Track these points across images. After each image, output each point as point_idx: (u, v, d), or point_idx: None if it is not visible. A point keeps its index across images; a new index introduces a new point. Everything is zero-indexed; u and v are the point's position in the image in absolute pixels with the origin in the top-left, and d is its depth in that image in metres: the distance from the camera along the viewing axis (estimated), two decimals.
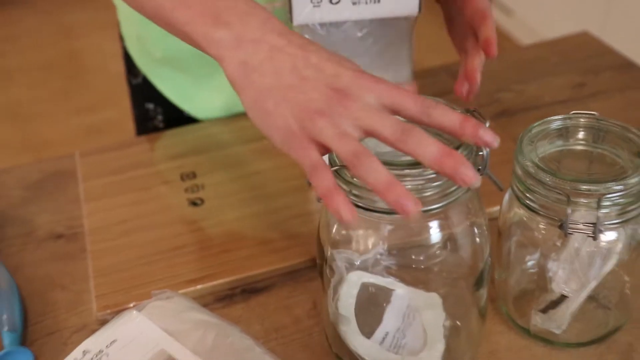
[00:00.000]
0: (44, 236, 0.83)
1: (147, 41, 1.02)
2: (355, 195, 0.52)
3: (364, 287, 0.57)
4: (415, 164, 0.50)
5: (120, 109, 2.73)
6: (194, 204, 0.82)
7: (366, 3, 0.69)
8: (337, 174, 0.53)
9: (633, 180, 0.54)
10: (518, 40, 2.95)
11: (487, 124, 0.55)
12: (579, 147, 0.62)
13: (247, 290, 0.73)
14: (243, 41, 0.55)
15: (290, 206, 0.81)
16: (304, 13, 0.68)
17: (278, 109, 0.51)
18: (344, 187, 0.53)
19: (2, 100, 2.96)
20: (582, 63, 1.04)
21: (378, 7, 0.69)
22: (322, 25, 0.72)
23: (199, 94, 1.04)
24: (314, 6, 0.67)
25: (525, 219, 0.60)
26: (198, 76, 1.02)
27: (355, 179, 0.52)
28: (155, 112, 1.10)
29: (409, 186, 0.50)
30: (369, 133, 0.49)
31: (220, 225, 0.79)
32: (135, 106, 1.14)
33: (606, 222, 0.55)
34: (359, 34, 0.75)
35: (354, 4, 0.68)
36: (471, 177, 0.48)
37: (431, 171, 0.50)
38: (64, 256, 0.79)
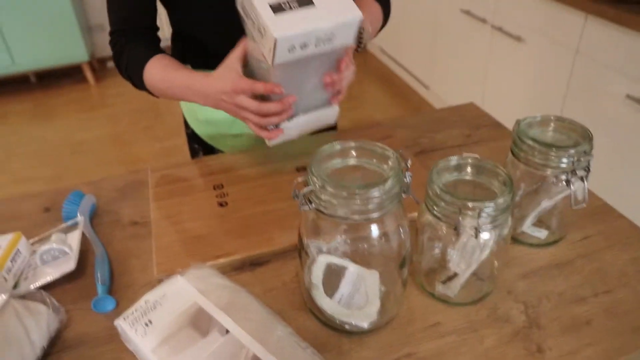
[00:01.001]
0: (126, 223, 0.79)
1: (195, 112, 1.00)
2: (323, 206, 0.50)
3: (328, 265, 0.55)
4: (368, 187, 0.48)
5: (183, 137, 2.70)
6: (221, 205, 0.79)
7: (324, 44, 0.65)
8: (310, 194, 0.50)
9: (500, 201, 0.52)
10: (432, 104, 2.93)
11: (409, 162, 0.53)
12: (467, 178, 0.60)
13: (253, 264, 0.69)
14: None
15: (283, 209, 0.77)
16: (283, 57, 0.64)
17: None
18: (316, 201, 0.50)
19: (111, 132, 2.91)
20: (470, 122, 1.02)
21: (330, 44, 0.66)
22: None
23: (224, 138, 1.01)
24: (289, 51, 0.63)
25: (433, 222, 0.57)
26: (222, 128, 0.99)
27: (322, 197, 0.49)
28: (199, 149, 1.08)
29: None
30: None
31: (237, 220, 0.75)
32: (189, 145, 1.12)
33: (483, 226, 0.53)
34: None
35: (316, 46, 0.65)
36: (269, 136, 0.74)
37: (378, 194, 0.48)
38: (138, 236, 0.76)
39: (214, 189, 0.82)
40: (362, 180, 0.53)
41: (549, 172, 0.64)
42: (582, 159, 0.61)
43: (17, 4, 3.07)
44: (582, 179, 0.62)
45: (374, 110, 2.94)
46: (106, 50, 3.74)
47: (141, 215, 0.80)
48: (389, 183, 0.49)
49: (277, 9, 0.62)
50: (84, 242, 0.75)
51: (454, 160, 0.60)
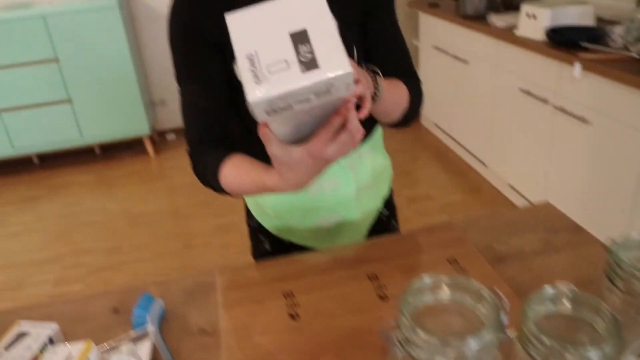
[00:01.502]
0: (195, 331, 0.78)
1: (263, 206, 1.02)
2: (414, 350, 0.47)
3: None
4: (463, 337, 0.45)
5: (239, 214, 2.74)
6: (292, 316, 0.76)
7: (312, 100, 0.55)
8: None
9: (607, 349, 0.47)
10: (490, 182, 2.88)
11: (507, 305, 0.50)
12: (565, 312, 0.56)
13: None
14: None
15: (356, 324, 0.74)
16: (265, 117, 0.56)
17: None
18: (407, 344, 0.47)
19: (169, 205, 2.99)
20: (547, 224, 0.97)
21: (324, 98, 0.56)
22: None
23: (294, 231, 1.00)
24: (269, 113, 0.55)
25: None
26: (291, 222, 1.00)
27: (414, 341, 0.47)
28: (264, 241, 1.08)
29: None
30: None
31: (309, 337, 0.72)
32: (252, 236, 1.12)
33: None
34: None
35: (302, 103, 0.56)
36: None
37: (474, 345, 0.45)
38: (207, 348, 0.74)
39: (285, 297, 0.80)
40: (457, 322, 0.50)
41: None
42: None
43: (87, 81, 3.29)
44: None
45: (430, 188, 2.90)
46: (166, 124, 3.92)
47: (210, 322, 0.79)
48: (486, 333, 0.46)
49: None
50: (154, 352, 0.74)
51: (548, 291, 0.56)
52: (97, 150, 3.82)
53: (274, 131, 0.62)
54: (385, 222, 1.12)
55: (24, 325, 0.79)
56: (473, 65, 2.78)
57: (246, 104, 0.54)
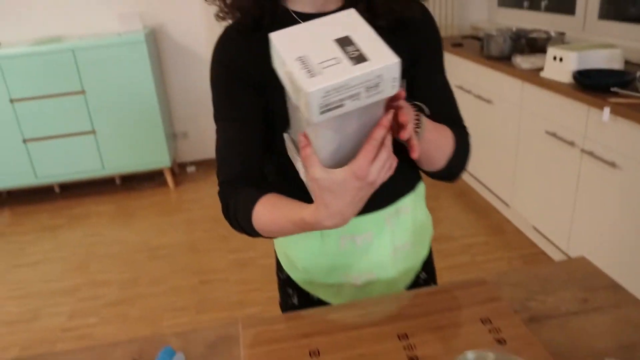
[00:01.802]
0: None
1: (292, 258, 0.99)
2: None
3: None
4: None
5: (257, 250, 2.71)
6: None
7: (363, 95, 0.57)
8: None
9: None
10: (513, 223, 2.82)
11: None
12: None
13: None
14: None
15: None
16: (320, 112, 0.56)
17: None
18: None
19: (187, 238, 2.98)
20: (584, 281, 0.93)
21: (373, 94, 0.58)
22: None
23: (321, 287, 0.97)
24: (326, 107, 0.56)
25: None
26: (320, 277, 0.97)
27: None
28: (293, 294, 1.04)
29: None
30: None
31: None
32: (280, 288, 1.08)
33: None
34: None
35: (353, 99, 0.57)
36: None
37: None
38: None
39: (310, 355, 0.77)
40: None
41: None
42: None
43: (112, 113, 3.34)
44: None
45: (452, 228, 2.85)
46: (186, 156, 3.95)
47: None
48: None
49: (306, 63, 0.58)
50: None
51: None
52: (118, 181, 3.85)
53: (317, 151, 0.62)
54: (422, 285, 1.07)
55: None
56: (497, 106, 2.76)
57: (284, 139, 0.55)
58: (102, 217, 3.35)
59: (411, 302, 0.87)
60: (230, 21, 0.87)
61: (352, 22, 0.61)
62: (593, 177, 2.05)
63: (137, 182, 3.83)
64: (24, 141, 3.31)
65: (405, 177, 0.96)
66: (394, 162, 0.65)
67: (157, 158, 3.51)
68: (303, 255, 0.97)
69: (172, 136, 3.79)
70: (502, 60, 2.70)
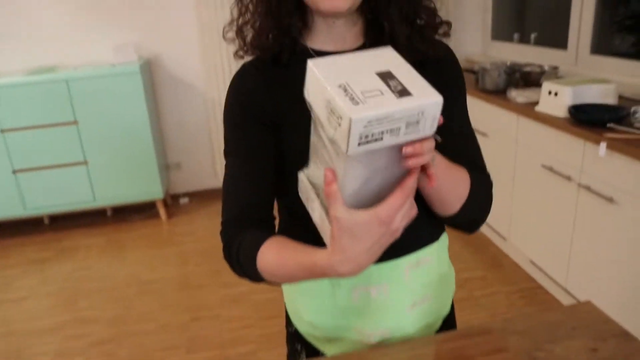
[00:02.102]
0: None
1: (299, 311, 0.93)
2: None
3: None
4: None
5: (249, 285, 2.66)
6: None
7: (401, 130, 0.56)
8: None
9: None
10: (510, 256, 2.79)
11: None
12: None
13: None
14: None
15: None
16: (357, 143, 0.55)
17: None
18: None
19: (179, 272, 2.92)
20: (592, 329, 0.90)
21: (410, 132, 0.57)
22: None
23: (332, 345, 0.93)
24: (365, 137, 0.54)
25: None
26: (330, 333, 0.91)
27: None
28: (301, 351, 0.98)
29: None
30: None
31: None
32: (289, 343, 1.03)
33: None
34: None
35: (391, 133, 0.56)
36: None
37: None
38: None
39: None
40: None
41: None
42: None
43: (104, 144, 3.31)
44: None
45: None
46: (179, 188, 3.91)
47: None
48: None
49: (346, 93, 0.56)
50: None
51: None
52: (109, 212, 3.79)
53: (341, 188, 0.60)
54: None
55: None
56: (492, 139, 2.76)
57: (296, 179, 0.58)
58: (91, 250, 3.28)
59: (414, 351, 0.83)
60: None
61: (391, 58, 0.61)
62: (590, 211, 2.03)
63: (129, 213, 3.77)
64: (14, 172, 3.26)
65: (429, 224, 0.90)
66: (414, 211, 0.63)
67: (150, 189, 3.47)
68: (312, 308, 0.91)
69: (165, 167, 3.75)
70: (497, 94, 2.71)
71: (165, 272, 2.93)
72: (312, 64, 0.59)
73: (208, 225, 3.50)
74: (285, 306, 1.01)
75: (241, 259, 0.78)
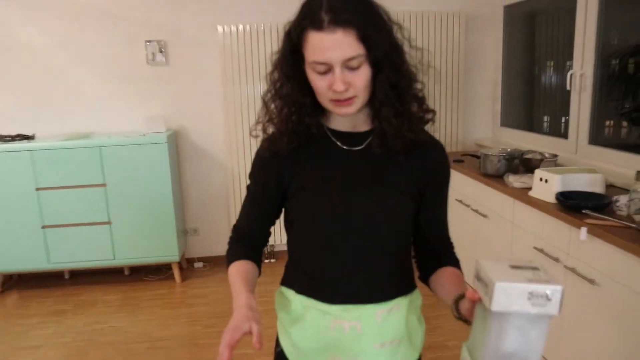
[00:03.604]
0: None
1: (287, 328, 1.19)
2: None
3: None
4: None
5: (251, 348, 2.81)
6: None
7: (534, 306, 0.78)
8: None
9: None
10: None
11: None
12: None
13: None
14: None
15: None
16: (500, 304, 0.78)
17: None
18: None
19: (189, 332, 3.10)
20: None
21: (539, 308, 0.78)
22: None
23: None
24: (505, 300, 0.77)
25: None
26: (306, 355, 1.16)
27: None
28: None
29: None
30: None
31: None
32: None
33: None
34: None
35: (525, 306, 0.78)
36: None
37: None
38: None
39: None
40: None
41: None
42: None
43: (128, 206, 3.61)
44: None
45: (447, 336, 2.95)
46: (194, 252, 4.16)
47: None
48: None
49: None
50: None
51: None
52: (127, 271, 4.04)
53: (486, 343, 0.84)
54: None
55: None
56: (492, 220, 2.97)
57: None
58: (107, 305, 3.51)
59: None
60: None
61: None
62: (577, 292, 2.20)
63: (145, 273, 4.01)
64: (43, 227, 3.57)
65: (402, 279, 1.18)
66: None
67: (167, 252, 3.73)
68: (299, 329, 1.14)
69: (183, 232, 4.02)
70: (496, 178, 2.94)
71: (176, 331, 3.12)
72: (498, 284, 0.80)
73: (220, 290, 3.71)
74: (277, 332, 1.23)
75: (227, 258, 1.17)
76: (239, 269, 1.11)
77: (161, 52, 3.76)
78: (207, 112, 3.98)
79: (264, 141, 1.13)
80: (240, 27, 3.75)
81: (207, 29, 3.83)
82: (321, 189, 1.09)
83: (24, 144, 3.47)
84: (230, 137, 3.94)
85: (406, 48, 1.05)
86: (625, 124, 3.04)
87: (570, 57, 3.11)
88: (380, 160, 1.08)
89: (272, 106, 1.10)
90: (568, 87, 3.09)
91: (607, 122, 3.04)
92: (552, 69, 3.62)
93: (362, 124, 1.12)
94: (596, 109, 2.97)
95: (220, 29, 3.75)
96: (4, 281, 3.87)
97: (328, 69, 0.98)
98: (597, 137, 2.99)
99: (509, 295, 0.77)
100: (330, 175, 1.09)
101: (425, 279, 1.19)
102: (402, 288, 1.16)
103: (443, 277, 1.12)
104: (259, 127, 1.12)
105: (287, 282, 1.22)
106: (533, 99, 3.98)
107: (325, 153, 1.11)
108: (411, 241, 1.19)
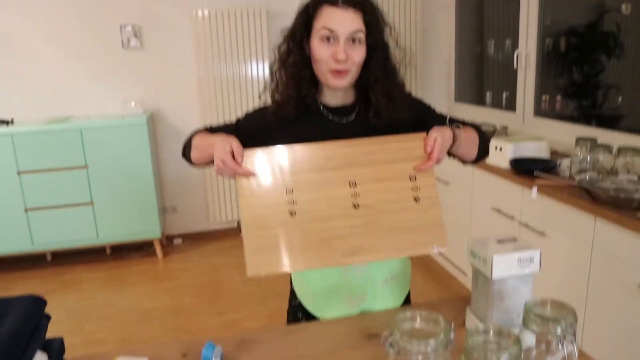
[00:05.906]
0: None
1: (306, 282, 1.34)
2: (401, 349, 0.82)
3: None
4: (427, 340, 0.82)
5: (242, 313, 3.03)
6: None
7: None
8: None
9: (514, 351, 0.83)
10: (470, 289, 3.22)
11: (452, 325, 0.86)
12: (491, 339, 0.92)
13: None
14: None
15: None
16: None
17: None
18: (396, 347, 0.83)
19: (173, 304, 3.28)
20: None
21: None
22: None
23: (324, 310, 1.32)
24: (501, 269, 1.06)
25: None
26: (324, 300, 1.32)
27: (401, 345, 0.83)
28: (301, 318, 1.37)
29: None
30: None
31: None
32: (290, 313, 1.41)
33: None
34: None
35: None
36: None
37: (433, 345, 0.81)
38: None
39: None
40: (423, 334, 0.86)
41: (549, 337, 0.95)
42: (569, 328, 0.93)
43: (110, 187, 3.72)
44: (571, 342, 0.93)
45: (415, 296, 3.23)
46: (173, 230, 4.30)
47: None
48: (440, 337, 0.82)
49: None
50: None
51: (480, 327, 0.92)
52: (108, 250, 4.15)
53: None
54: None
55: (122, 358, 1.13)
56: (453, 186, 3.26)
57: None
58: (93, 283, 3.63)
59: (388, 318, 1.25)
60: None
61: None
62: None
63: (127, 251, 4.14)
64: (26, 210, 3.63)
65: None
66: None
67: (149, 229, 3.86)
68: (318, 277, 1.30)
69: (162, 210, 4.16)
70: None
71: (163, 302, 3.29)
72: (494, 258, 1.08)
73: (201, 263, 3.89)
74: (291, 284, 1.41)
75: (184, 145, 1.37)
76: (202, 134, 1.31)
77: (136, 36, 3.83)
78: (182, 94, 4.09)
79: (255, 111, 1.35)
80: (214, 10, 3.87)
81: (181, 13, 3.94)
82: None
83: (4, 129, 3.51)
84: (205, 117, 4.07)
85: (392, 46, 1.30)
86: (559, 98, 3.39)
87: (515, 36, 3.41)
88: (370, 129, 1.26)
89: (278, 75, 1.28)
90: (515, 66, 3.39)
91: (546, 97, 3.37)
92: (500, 47, 3.92)
93: (347, 99, 1.31)
94: (539, 85, 3.29)
95: (194, 12, 3.86)
96: None
97: (334, 39, 1.18)
98: (541, 110, 3.32)
99: (505, 264, 1.04)
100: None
101: None
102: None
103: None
104: (267, 92, 1.30)
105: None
106: (483, 76, 4.28)
107: (321, 124, 1.29)
108: None
